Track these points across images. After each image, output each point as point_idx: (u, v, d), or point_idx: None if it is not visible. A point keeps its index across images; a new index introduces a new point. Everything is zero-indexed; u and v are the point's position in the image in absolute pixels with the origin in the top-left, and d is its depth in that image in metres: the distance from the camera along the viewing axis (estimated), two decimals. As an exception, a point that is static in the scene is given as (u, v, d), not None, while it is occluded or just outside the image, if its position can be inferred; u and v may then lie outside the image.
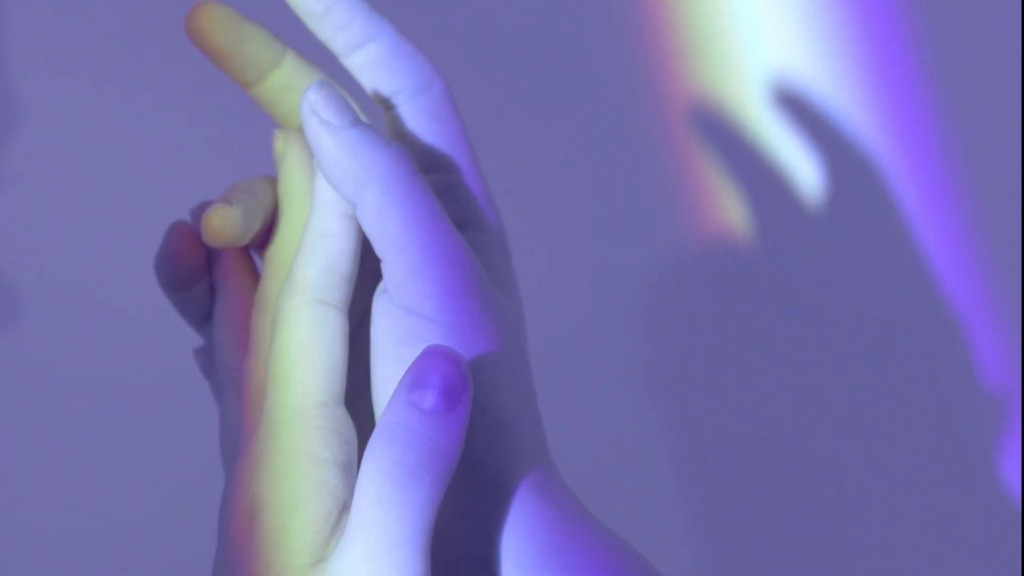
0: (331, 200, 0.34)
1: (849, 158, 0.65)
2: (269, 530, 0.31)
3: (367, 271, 0.38)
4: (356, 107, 0.38)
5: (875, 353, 0.65)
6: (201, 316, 0.39)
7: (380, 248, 0.32)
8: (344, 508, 0.31)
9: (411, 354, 0.32)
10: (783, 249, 0.65)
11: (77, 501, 0.63)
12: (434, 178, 0.36)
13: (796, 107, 0.65)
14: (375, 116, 0.64)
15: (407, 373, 0.29)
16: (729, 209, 0.65)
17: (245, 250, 0.38)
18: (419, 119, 0.35)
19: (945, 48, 0.65)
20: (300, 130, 0.37)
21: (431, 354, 0.29)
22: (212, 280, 0.38)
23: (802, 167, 0.65)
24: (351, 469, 0.32)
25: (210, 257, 0.39)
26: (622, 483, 0.65)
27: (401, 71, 0.35)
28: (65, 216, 0.63)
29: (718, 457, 0.65)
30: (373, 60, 0.35)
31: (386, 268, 0.32)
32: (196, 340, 0.63)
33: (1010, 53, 0.65)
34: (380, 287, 0.33)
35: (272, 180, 0.38)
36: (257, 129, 0.64)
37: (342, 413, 0.32)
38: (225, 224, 0.35)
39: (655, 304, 0.65)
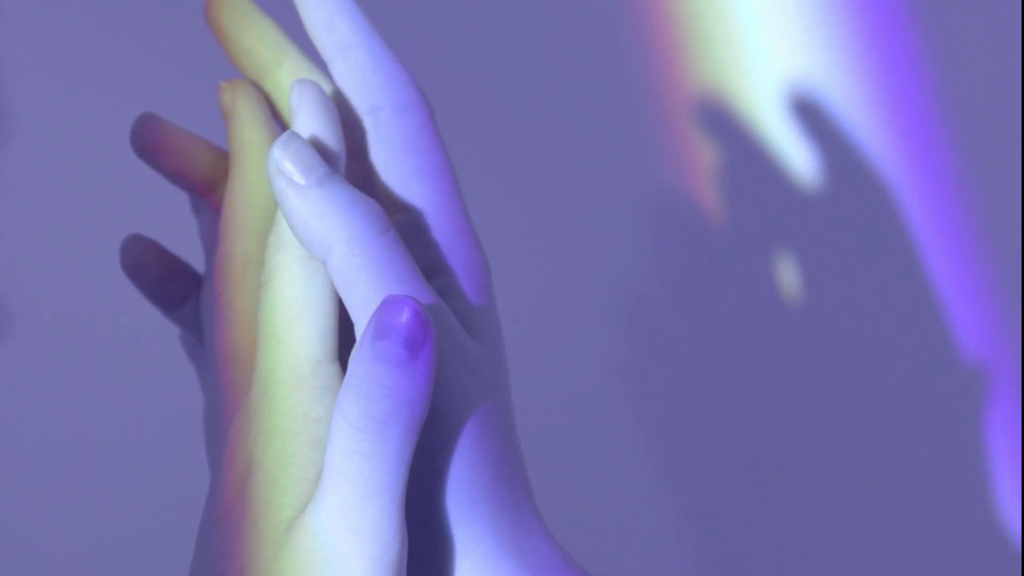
0: None
1: (847, 158, 0.66)
2: (260, 485, 0.31)
3: None
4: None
5: (869, 355, 0.65)
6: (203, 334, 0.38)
7: (350, 311, 0.31)
8: None
9: None
10: (777, 249, 0.65)
11: (76, 500, 0.63)
12: (407, 218, 0.34)
13: (794, 105, 0.66)
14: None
15: (369, 324, 0.29)
16: (725, 208, 0.65)
17: None
18: (396, 150, 0.34)
19: (946, 47, 0.66)
20: (248, 82, 0.36)
21: (390, 303, 0.29)
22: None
23: (797, 167, 0.66)
24: None
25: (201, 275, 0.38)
26: (606, 489, 0.65)
27: (382, 87, 0.34)
28: (61, 223, 0.63)
29: (705, 461, 0.65)
30: (354, 69, 0.34)
31: (357, 330, 0.31)
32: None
33: (1011, 54, 0.66)
34: (356, 347, 0.32)
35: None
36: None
37: (336, 370, 0.32)
38: (152, 130, 0.35)
39: (643, 304, 0.65)
